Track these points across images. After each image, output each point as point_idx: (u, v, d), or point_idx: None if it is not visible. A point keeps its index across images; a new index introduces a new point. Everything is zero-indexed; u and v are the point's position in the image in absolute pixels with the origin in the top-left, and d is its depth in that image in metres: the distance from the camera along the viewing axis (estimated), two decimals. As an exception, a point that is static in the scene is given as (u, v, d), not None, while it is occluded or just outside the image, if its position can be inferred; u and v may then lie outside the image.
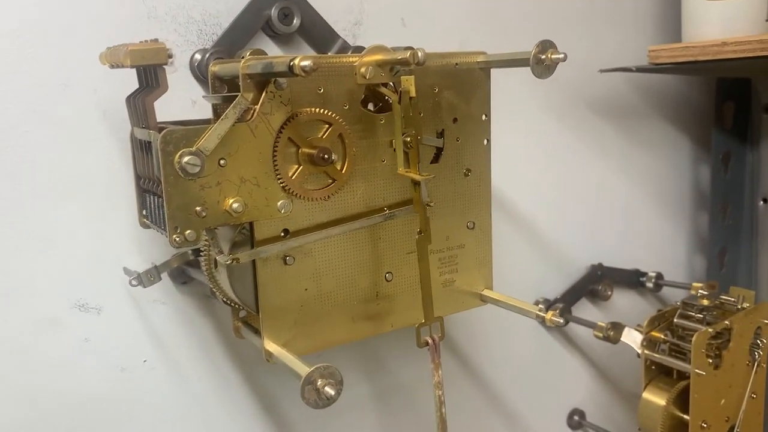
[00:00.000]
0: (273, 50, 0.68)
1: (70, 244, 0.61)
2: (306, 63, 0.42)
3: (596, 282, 0.96)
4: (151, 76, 0.48)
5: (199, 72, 0.63)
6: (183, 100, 0.64)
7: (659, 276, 1.01)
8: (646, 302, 1.05)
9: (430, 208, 0.59)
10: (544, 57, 0.54)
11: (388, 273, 0.58)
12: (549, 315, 0.58)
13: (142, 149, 0.51)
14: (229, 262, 0.49)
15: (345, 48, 0.70)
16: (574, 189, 0.94)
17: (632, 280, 1.01)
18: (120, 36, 0.60)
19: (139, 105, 0.48)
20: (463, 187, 0.62)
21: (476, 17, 0.81)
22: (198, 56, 0.63)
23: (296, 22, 0.66)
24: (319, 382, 0.46)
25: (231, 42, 0.64)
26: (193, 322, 0.67)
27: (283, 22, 0.65)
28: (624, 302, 1.02)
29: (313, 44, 0.69)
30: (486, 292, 0.64)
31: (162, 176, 0.46)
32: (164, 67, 0.46)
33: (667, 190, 1.06)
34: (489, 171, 0.63)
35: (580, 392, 1.00)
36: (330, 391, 0.45)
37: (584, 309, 0.97)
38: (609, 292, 0.97)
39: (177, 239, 0.46)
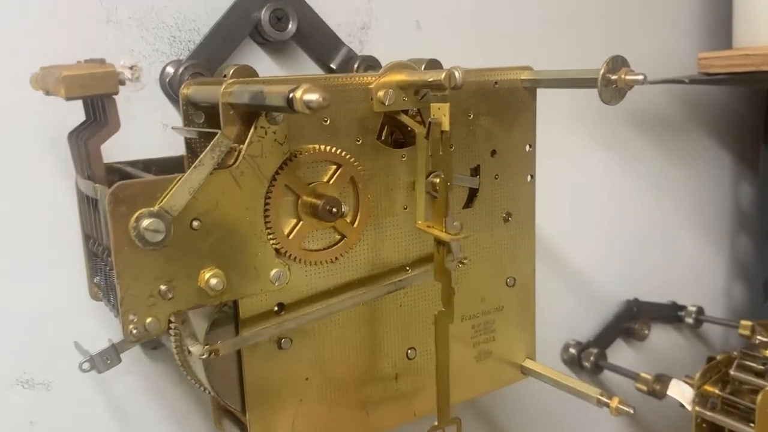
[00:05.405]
0: (263, 60, 0.56)
1: (10, 307, 0.48)
2: (312, 97, 0.29)
3: (632, 320, 0.85)
4: (98, 109, 0.35)
5: (171, 89, 0.51)
6: (152, 123, 0.52)
7: (700, 311, 0.89)
8: (684, 339, 0.93)
9: (460, 267, 0.47)
10: (615, 78, 0.42)
11: (410, 349, 0.46)
12: (615, 403, 0.45)
13: (88, 204, 0.39)
14: (205, 356, 0.36)
15: (351, 58, 0.58)
16: (605, 212, 0.83)
17: (669, 314, 0.89)
18: (72, 46, 0.49)
19: (82, 148, 0.35)
20: (502, 236, 0.49)
21: (501, 21, 0.69)
22: (170, 69, 0.51)
23: (292, 26, 0.54)
24: None
25: (211, 52, 0.52)
26: (166, 396, 0.55)
27: (275, 27, 0.53)
28: (661, 341, 0.90)
29: (312, 53, 0.57)
30: (528, 363, 0.52)
31: (112, 246, 0.33)
32: (114, 98, 0.33)
33: (705, 211, 0.94)
34: (533, 214, 0.51)
35: (612, 444, 0.89)
36: None
37: (619, 350, 0.85)
38: (646, 331, 0.85)
39: (134, 331, 0.34)
